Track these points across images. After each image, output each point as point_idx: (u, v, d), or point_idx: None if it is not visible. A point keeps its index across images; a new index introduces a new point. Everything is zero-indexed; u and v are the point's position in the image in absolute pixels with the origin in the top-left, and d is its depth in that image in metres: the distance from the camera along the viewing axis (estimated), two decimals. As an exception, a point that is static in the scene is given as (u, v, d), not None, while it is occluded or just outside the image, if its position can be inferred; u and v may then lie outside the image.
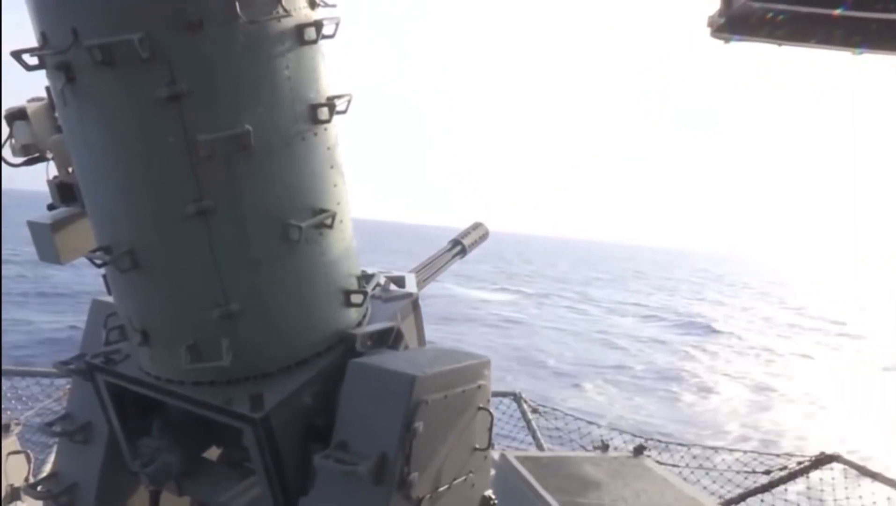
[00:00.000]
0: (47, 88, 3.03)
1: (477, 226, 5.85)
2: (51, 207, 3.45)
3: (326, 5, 2.87)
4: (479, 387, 3.21)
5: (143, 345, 3.00)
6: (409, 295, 3.79)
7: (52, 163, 3.39)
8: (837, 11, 2.78)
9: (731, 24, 3.37)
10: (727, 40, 3.54)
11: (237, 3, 2.47)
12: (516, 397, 7.87)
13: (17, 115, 3.26)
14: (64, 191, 3.32)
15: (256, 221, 2.74)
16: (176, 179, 2.59)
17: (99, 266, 2.91)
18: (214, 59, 2.51)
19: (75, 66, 2.50)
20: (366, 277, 3.46)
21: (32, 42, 2.60)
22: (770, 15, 3.13)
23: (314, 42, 2.79)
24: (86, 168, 2.83)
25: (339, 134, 3.03)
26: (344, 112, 2.95)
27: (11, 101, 3.36)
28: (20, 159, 3.36)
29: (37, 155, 3.35)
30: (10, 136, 3.28)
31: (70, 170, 3.21)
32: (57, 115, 3.06)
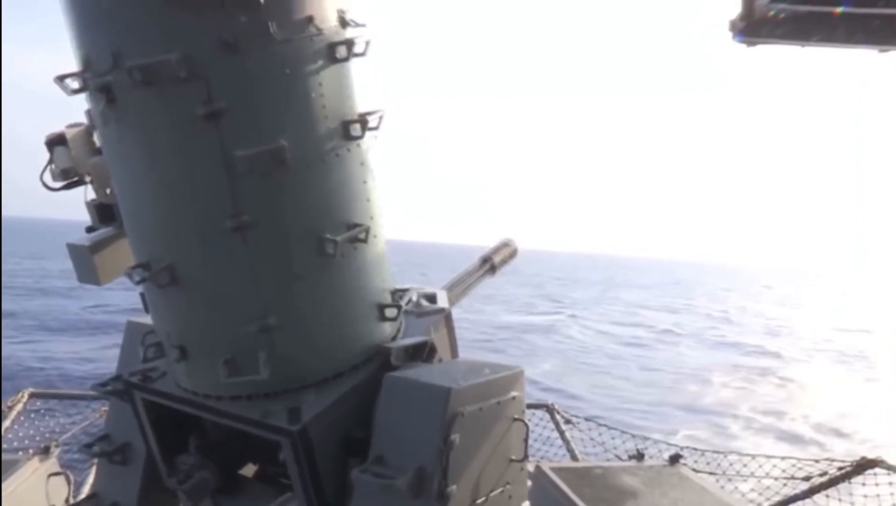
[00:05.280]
0: (87, 112, 3.11)
1: (506, 243, 5.70)
2: (89, 230, 3.52)
3: (357, 24, 2.91)
4: (514, 398, 3.20)
5: (180, 360, 3.04)
6: (442, 310, 3.81)
7: (89, 186, 3.48)
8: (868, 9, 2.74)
9: (754, 28, 3.33)
10: (751, 44, 3.50)
11: (271, 23, 2.52)
12: (549, 409, 7.86)
13: (57, 141, 3.35)
14: (103, 211, 3.39)
15: (293, 235, 2.78)
16: (214, 194, 2.64)
17: (137, 283, 2.95)
18: (250, 77, 2.57)
19: (116, 87, 2.57)
20: (399, 293, 3.49)
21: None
22: (782, 16, 3.09)
23: (346, 60, 2.84)
24: (125, 186, 2.89)
25: (372, 150, 3.07)
26: (376, 128, 2.99)
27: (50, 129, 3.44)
28: (60, 183, 3.45)
29: (76, 179, 3.44)
30: (51, 161, 3.36)
31: (108, 191, 3.29)
32: (96, 136, 3.14)
